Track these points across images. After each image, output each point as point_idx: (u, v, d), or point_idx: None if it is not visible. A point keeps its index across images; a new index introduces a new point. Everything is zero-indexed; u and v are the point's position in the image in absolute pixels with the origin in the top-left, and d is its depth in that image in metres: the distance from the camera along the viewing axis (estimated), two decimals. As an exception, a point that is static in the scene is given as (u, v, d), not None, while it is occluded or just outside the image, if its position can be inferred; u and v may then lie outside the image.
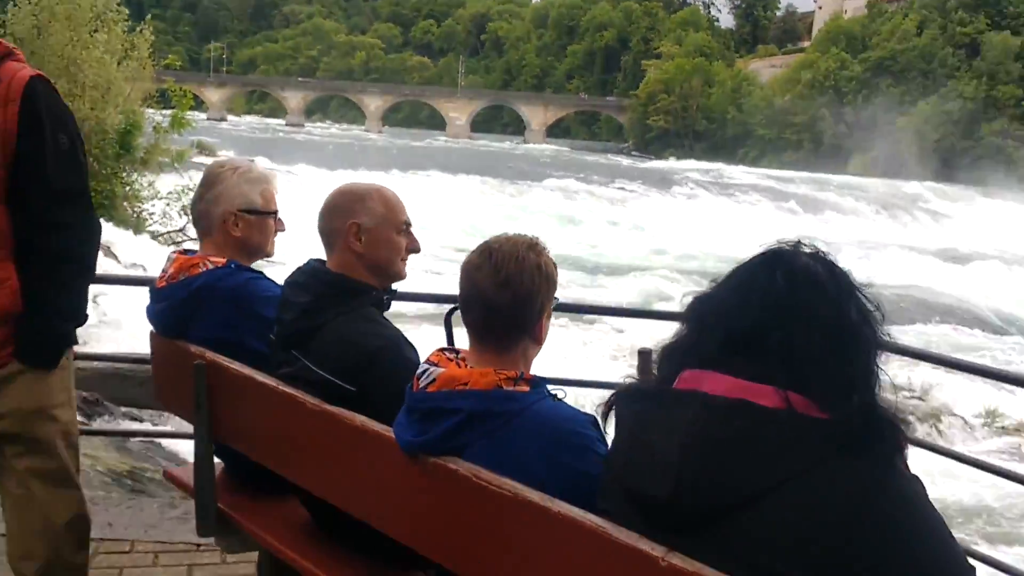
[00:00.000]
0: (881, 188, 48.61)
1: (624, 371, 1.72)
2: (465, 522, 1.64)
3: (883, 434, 1.25)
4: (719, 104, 73.50)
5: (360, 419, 1.89)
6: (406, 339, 2.15)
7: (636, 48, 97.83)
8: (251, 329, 2.43)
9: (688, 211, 37.59)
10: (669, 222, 34.85)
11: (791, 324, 1.31)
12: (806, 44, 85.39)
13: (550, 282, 1.81)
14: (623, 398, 1.47)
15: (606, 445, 1.67)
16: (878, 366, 1.32)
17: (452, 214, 28.80)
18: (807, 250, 1.40)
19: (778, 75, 74.82)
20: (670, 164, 56.34)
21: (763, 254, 1.42)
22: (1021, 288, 27.07)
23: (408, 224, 2.28)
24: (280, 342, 2.23)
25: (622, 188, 41.11)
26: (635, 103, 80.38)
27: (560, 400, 1.75)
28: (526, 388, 1.71)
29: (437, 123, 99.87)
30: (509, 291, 1.75)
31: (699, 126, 74.41)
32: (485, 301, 1.76)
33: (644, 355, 2.05)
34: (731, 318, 1.35)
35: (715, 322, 1.37)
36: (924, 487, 1.23)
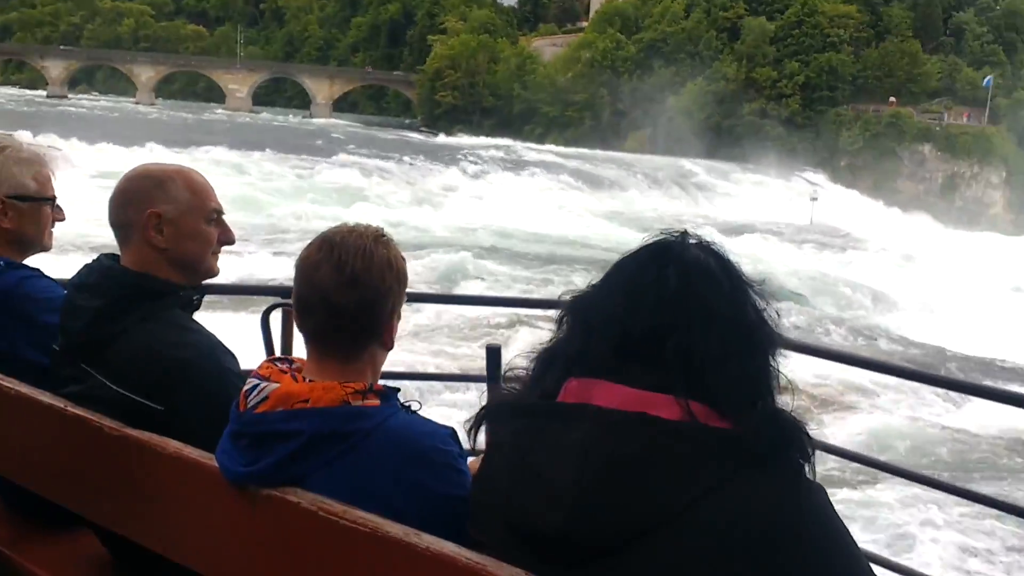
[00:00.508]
0: (656, 164, 51.45)
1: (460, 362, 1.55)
2: (312, 564, 1.40)
3: (791, 442, 1.16)
4: (505, 81, 74.57)
5: (173, 445, 1.61)
6: (224, 346, 1.87)
7: (422, 22, 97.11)
8: (27, 338, 2.07)
9: (480, 188, 37.98)
10: (462, 199, 35.08)
11: (688, 325, 1.19)
12: (584, 24, 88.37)
13: (401, 279, 1.62)
14: (498, 413, 1.30)
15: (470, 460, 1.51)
16: (777, 367, 1.23)
17: (233, 191, 27.45)
18: (694, 241, 1.29)
19: (559, 54, 76.90)
20: (460, 140, 56.65)
21: (649, 248, 1.28)
22: (784, 258, 29.58)
23: (219, 212, 1.98)
24: (65, 354, 1.88)
25: (413, 164, 40.86)
26: (422, 78, 79.99)
27: (415, 412, 1.56)
28: (377, 401, 1.50)
29: (216, 96, 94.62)
30: (356, 291, 1.53)
31: (486, 103, 75.17)
32: (328, 304, 1.52)
33: (493, 352, 1.87)
34: (622, 320, 1.21)
35: (604, 325, 1.23)
36: (828, 495, 1.16)
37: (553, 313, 1.34)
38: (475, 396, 1.60)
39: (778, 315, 1.25)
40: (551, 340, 1.31)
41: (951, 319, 22.91)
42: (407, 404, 1.56)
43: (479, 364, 2.00)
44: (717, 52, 68.13)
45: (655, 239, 1.29)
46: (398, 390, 1.56)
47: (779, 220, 38.89)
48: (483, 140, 57.52)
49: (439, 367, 12.72)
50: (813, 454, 1.18)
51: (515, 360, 1.37)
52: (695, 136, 60.01)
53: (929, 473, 6.42)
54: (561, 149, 55.16)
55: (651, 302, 1.21)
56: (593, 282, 1.31)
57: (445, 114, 75.71)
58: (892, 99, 61.17)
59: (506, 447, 1.25)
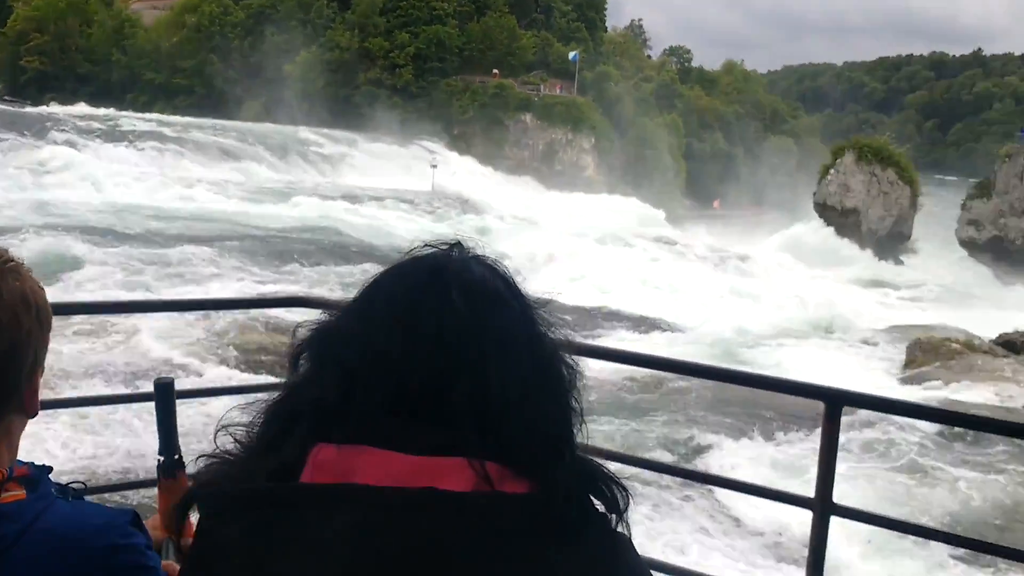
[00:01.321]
0: (275, 133, 50.01)
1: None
2: None
3: (603, 498, 0.98)
4: (101, 45, 67.47)
5: None
6: None
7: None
8: None
9: (80, 162, 33.96)
10: (63, 177, 31.13)
11: (482, 363, 0.94)
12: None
13: (43, 320, 1.21)
14: (216, 502, 0.94)
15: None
16: (580, 402, 1.01)
17: None
18: (471, 255, 1.03)
19: (162, 18, 71.32)
20: (52, 110, 50.20)
21: (419, 265, 1.00)
22: (411, 225, 30.33)
23: None
24: None
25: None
26: (3, 42, 69.64)
27: (78, 497, 1.17)
28: (21, 493, 1.10)
29: None
30: None
31: (82, 69, 67.56)
32: None
33: (163, 388, 1.49)
34: (397, 364, 0.93)
35: (371, 371, 0.94)
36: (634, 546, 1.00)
37: (224, 316, 1.01)
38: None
39: (568, 336, 1.03)
40: (287, 390, 0.99)
41: (565, 273, 25.18)
42: (68, 486, 1.16)
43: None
44: (329, 20, 67.56)
45: (423, 253, 1.02)
46: (50, 469, 1.16)
47: (404, 188, 39.86)
48: (80, 109, 51.57)
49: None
50: (626, 507, 0.99)
51: (230, 414, 1.02)
52: (314, 105, 59.23)
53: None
54: (170, 118, 51.26)
55: (433, 337, 0.94)
56: (343, 306, 1.00)
57: (32, 81, 66.80)
58: (495, 71, 65.24)
59: (232, 552, 0.89)
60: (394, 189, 38.90)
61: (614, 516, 0.97)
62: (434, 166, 45.63)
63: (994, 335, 20.44)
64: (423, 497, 0.87)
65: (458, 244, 1.03)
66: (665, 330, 20.12)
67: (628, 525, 0.98)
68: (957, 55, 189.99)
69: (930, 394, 14.16)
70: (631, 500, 0.99)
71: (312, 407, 0.94)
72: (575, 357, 1.02)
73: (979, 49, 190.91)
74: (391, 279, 1.00)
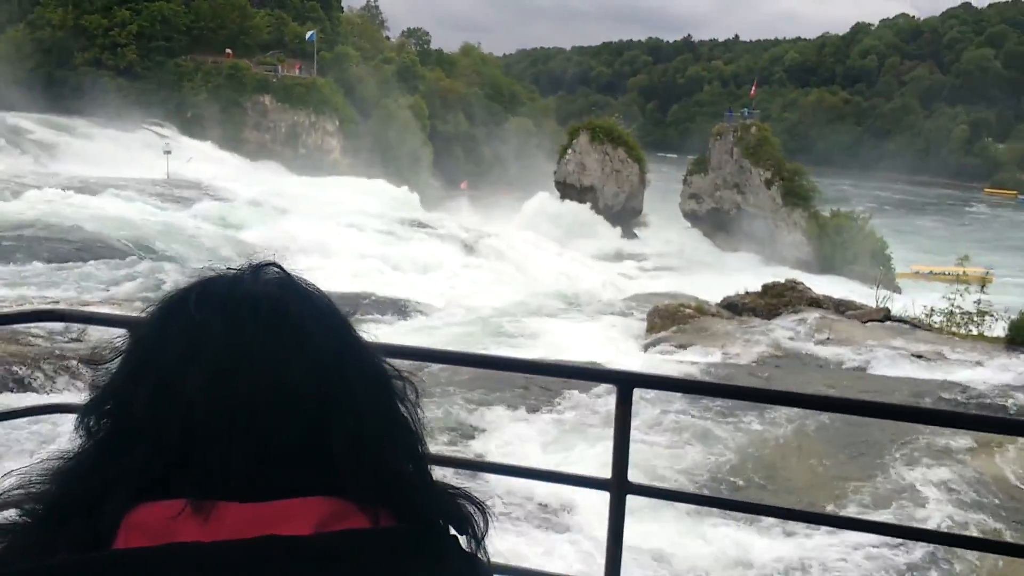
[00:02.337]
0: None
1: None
2: None
3: (463, 527, 0.93)
4: None
5: None
6: None
7: None
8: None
9: None
10: None
11: (312, 397, 0.86)
12: None
13: None
14: None
15: None
16: (419, 420, 0.96)
17: None
18: (277, 274, 0.94)
19: None
20: None
21: (244, 299, 0.89)
22: (147, 216, 28.27)
23: None
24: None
25: None
26: None
27: None
28: None
29: None
30: None
31: None
32: None
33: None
34: (208, 407, 0.83)
35: (215, 433, 0.82)
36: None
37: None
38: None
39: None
40: (82, 452, 0.86)
41: (314, 260, 24.60)
42: None
43: None
44: (37, -5, 61.17)
45: (217, 277, 0.92)
46: None
47: (134, 176, 36.99)
48: None
49: None
50: (486, 530, 0.95)
51: (5, 481, 0.86)
52: (23, 88, 53.29)
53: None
54: None
55: (299, 373, 0.86)
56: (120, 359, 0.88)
57: None
58: (228, 51, 62.17)
59: None
60: (121, 177, 35.99)
61: (473, 541, 0.93)
62: (168, 152, 42.76)
63: (719, 299, 22.54)
64: (260, 547, 0.78)
65: (268, 264, 0.94)
66: (422, 313, 20.27)
67: (486, 549, 0.94)
68: (671, 40, 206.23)
69: (669, 357, 15.35)
70: (491, 520, 0.95)
71: (123, 465, 0.82)
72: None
73: (689, 35, 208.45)
74: (183, 312, 0.88)
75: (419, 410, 0.96)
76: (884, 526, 4.87)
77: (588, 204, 49.46)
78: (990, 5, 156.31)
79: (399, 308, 20.23)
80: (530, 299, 23.31)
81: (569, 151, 50.76)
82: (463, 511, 0.94)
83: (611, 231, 48.90)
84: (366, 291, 21.26)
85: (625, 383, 2.81)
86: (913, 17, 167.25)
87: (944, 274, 36.74)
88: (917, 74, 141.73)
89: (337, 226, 31.12)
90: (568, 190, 50.46)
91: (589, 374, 3.52)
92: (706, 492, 7.09)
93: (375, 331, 1.07)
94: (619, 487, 2.83)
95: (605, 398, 9.51)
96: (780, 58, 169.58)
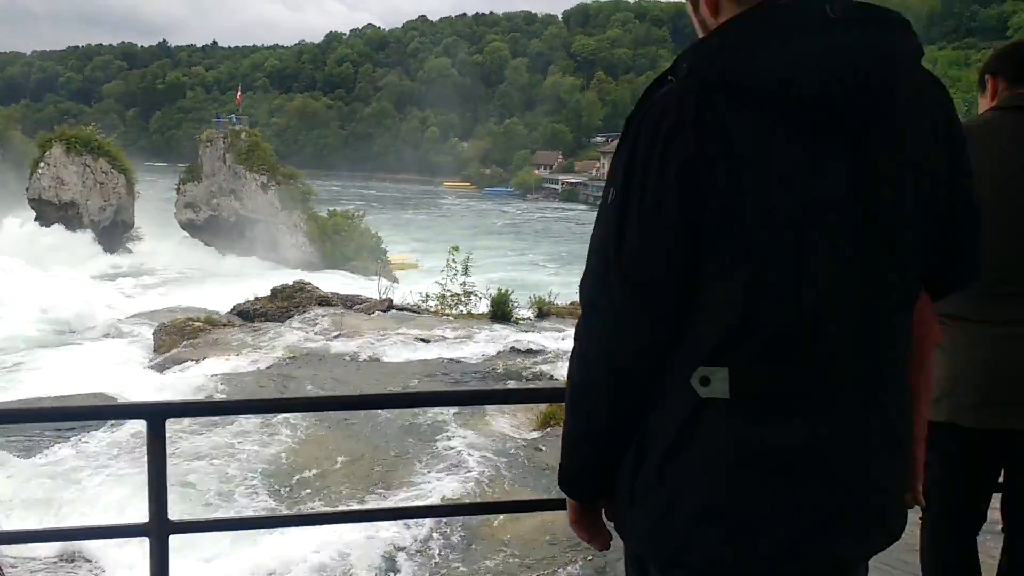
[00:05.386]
0: None
1: None
2: None
3: None
4: None
5: None
6: None
7: None
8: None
9: None
10: None
11: None
12: None
13: None
14: None
15: None
16: None
17: None
18: None
19: None
20: None
21: None
22: None
23: None
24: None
25: None
26: None
27: None
28: None
29: None
30: None
31: None
32: None
33: None
34: None
35: None
36: None
37: None
38: None
39: None
40: None
41: None
42: None
43: None
44: None
45: None
46: None
47: None
48: None
49: None
50: None
51: None
52: None
53: None
54: None
55: None
56: None
57: None
58: None
59: None
60: None
61: None
62: None
63: (229, 307, 22.09)
64: None
65: None
66: None
67: None
68: (146, 45, 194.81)
69: (184, 374, 14.61)
70: None
71: None
72: None
73: (164, 40, 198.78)
74: None
75: None
76: (399, 510, 5.21)
77: (72, 221, 44.91)
78: (442, 19, 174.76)
79: None
80: (22, 330, 20.73)
81: (42, 165, 45.49)
82: None
83: (101, 248, 45.05)
84: None
85: (154, 416, 2.63)
86: (379, 28, 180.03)
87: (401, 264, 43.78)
88: (389, 80, 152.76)
89: None
90: (46, 207, 45.26)
91: (113, 412, 3.20)
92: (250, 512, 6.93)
93: None
94: (159, 529, 2.64)
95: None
96: (261, 64, 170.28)
